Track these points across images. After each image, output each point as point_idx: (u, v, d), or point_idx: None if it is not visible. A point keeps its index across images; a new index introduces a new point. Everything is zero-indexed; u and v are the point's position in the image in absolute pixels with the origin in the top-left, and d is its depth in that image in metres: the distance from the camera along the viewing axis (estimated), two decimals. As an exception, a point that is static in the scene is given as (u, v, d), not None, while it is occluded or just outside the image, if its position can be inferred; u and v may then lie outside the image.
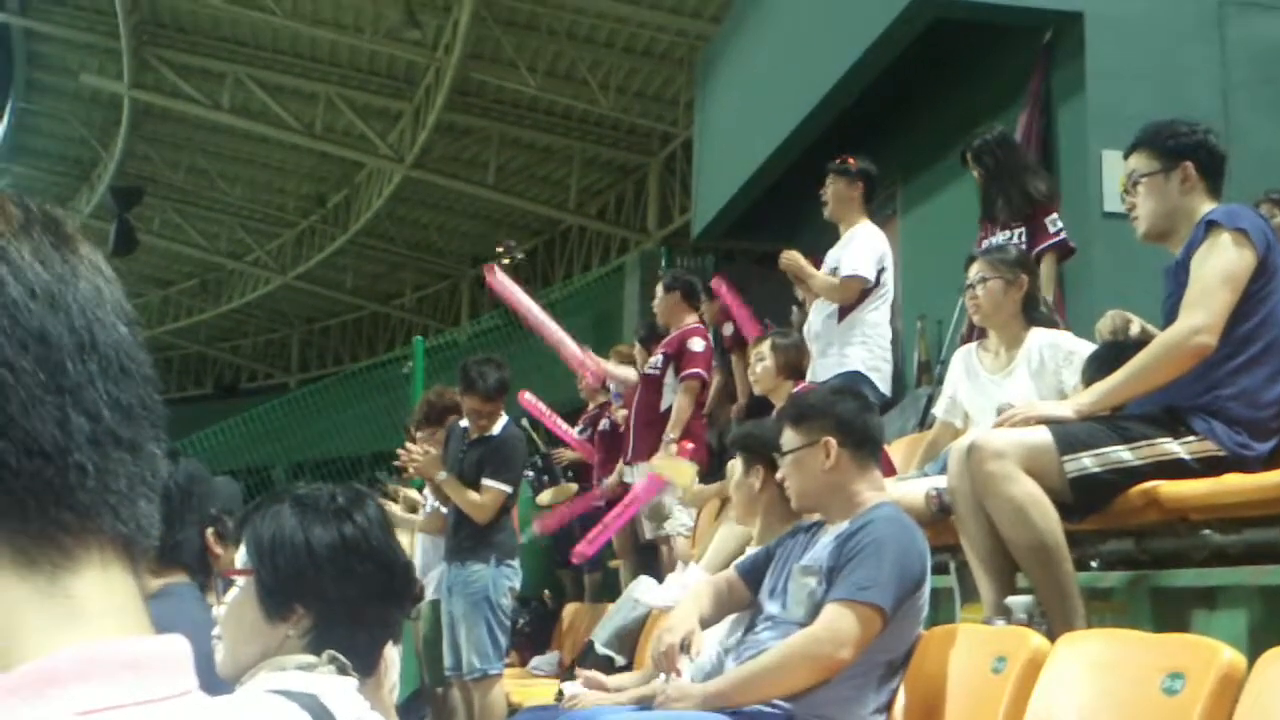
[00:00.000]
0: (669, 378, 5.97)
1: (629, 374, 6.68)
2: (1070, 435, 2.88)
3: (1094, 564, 3.19)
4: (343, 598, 1.74)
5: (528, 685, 5.86)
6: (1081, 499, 2.88)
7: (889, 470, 3.63)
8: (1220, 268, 2.86)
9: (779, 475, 3.20)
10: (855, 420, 3.01)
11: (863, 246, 5.25)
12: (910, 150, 7.44)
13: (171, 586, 2.29)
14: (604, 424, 6.85)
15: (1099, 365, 3.29)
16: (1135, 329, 3.53)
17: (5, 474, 0.54)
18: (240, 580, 1.80)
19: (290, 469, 14.34)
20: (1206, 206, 3.00)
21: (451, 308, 21.68)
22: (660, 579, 5.33)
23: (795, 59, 7.88)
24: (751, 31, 8.98)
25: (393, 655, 1.93)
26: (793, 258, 5.34)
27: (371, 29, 15.41)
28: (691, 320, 6.12)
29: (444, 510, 5.48)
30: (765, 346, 5.15)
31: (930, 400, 5.21)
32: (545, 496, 6.96)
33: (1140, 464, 2.86)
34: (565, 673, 5.70)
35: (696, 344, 5.94)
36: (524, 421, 6.42)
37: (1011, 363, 3.70)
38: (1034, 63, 6.17)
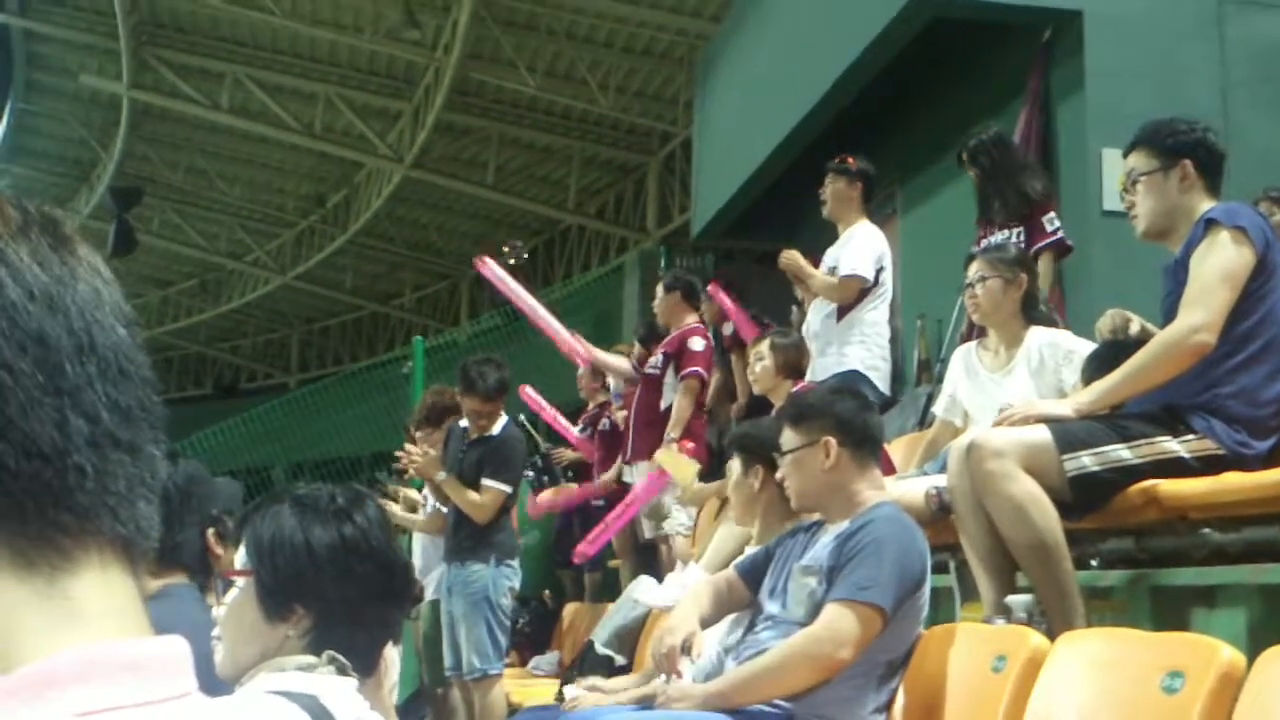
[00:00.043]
0: (669, 377, 5.97)
1: (621, 362, 6.69)
2: (1070, 434, 2.88)
3: (1094, 563, 3.19)
4: (342, 598, 1.74)
5: (528, 685, 5.86)
6: (1081, 498, 2.88)
7: (889, 469, 3.63)
8: (1219, 266, 2.85)
9: (778, 475, 3.19)
10: (855, 420, 3.01)
11: (861, 246, 5.25)
12: (909, 149, 7.44)
13: (171, 587, 2.29)
14: (604, 424, 6.86)
15: (1098, 364, 3.29)
16: (1135, 328, 3.53)
17: (4, 476, 0.54)
18: (240, 581, 1.80)
19: (290, 469, 14.34)
20: (1205, 205, 3.00)
21: (451, 308, 21.67)
22: (660, 579, 5.33)
23: (794, 58, 7.87)
24: (751, 31, 8.98)
25: (393, 655, 1.93)
26: (792, 257, 5.34)
27: (371, 29, 15.39)
28: (691, 320, 6.12)
29: (444, 510, 5.48)
30: (764, 346, 5.15)
31: (930, 399, 5.21)
32: (545, 497, 6.96)
33: (1140, 463, 2.86)
34: (565, 672, 5.69)
35: (696, 343, 5.95)
36: (522, 419, 6.42)
37: (1011, 361, 3.70)
38: (1033, 61, 6.17)
